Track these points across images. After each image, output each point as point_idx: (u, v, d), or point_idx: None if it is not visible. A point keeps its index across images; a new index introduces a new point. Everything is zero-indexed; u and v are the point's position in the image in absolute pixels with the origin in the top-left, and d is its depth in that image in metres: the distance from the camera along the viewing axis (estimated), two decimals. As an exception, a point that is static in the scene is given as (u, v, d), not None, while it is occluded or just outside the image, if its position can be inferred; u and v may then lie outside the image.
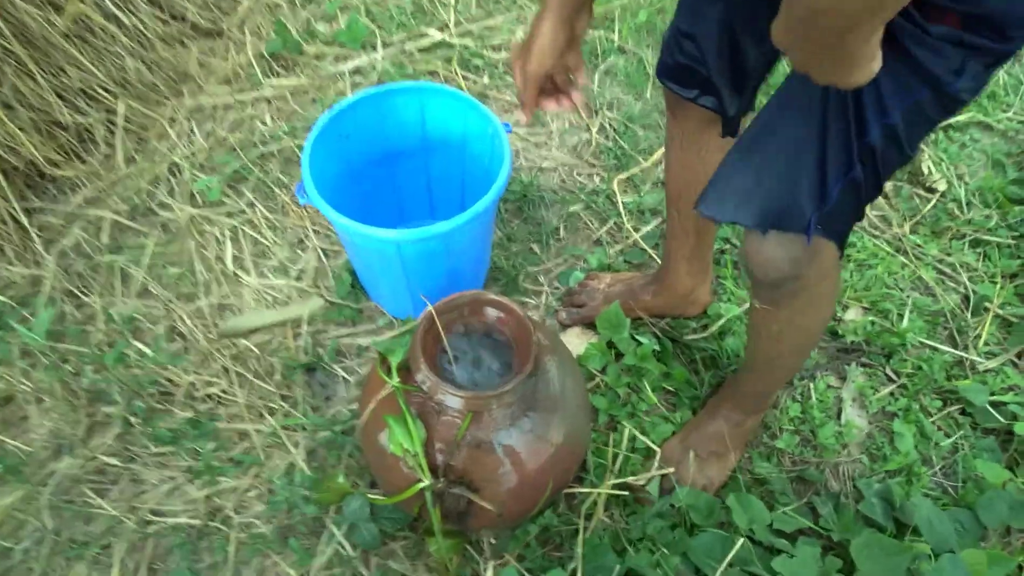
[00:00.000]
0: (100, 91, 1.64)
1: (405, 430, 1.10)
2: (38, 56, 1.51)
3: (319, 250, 1.62)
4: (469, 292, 1.18)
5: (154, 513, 1.32)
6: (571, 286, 1.57)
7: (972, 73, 0.73)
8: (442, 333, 1.14)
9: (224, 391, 1.42)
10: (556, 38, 0.92)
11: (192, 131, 1.75)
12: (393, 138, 1.49)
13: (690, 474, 1.28)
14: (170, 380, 1.42)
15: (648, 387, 1.42)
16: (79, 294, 1.53)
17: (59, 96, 1.58)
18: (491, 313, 1.18)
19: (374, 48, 1.94)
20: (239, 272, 1.57)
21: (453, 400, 1.07)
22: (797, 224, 0.85)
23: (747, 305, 1.54)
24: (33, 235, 1.55)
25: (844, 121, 0.78)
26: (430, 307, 1.14)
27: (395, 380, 1.14)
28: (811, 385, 1.44)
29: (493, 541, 1.26)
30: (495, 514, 1.11)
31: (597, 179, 1.78)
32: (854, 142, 0.79)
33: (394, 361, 1.16)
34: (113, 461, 1.36)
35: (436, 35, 1.98)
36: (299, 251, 1.62)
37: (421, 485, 1.09)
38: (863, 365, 1.49)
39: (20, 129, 1.51)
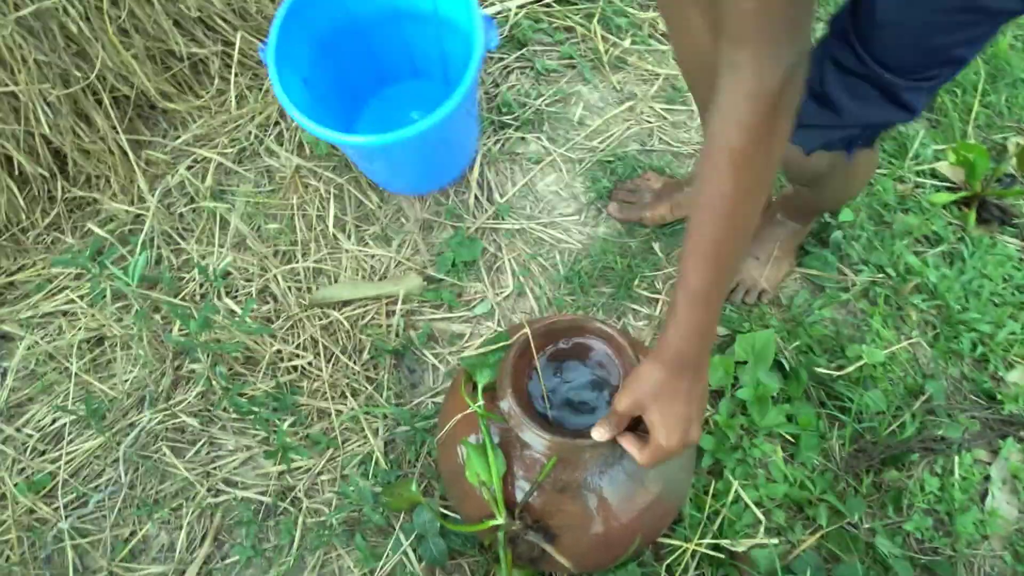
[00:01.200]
0: (219, 21, 1.54)
1: (484, 461, 1.00)
2: (158, -19, 1.42)
3: (422, 220, 1.51)
4: (570, 316, 1.05)
5: (226, 482, 1.29)
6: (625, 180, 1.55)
7: None
8: (536, 362, 1.02)
9: (309, 363, 1.36)
10: None
11: (309, 71, 1.65)
12: (358, 6, 1.42)
13: (751, 276, 1.38)
14: (257, 344, 1.36)
15: (764, 431, 1.27)
16: (178, 238, 1.48)
17: (176, 24, 1.49)
18: (594, 344, 1.04)
19: (510, -5, 1.76)
20: (338, 235, 1.48)
21: (538, 441, 0.95)
22: (840, 143, 0.97)
23: (892, 350, 1.34)
24: (138, 170, 1.50)
25: None
26: (527, 330, 1.01)
27: (479, 404, 1.03)
28: (955, 459, 1.25)
29: (568, 582, 1.16)
30: (571, 566, 1.00)
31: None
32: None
33: (480, 382, 1.05)
34: (192, 422, 1.32)
35: (579, -14, 1.78)
36: (403, 219, 1.52)
37: (494, 523, 1.00)
38: (1022, 441, 1.28)
39: (134, 57, 1.44)
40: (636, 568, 1.12)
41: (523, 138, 1.60)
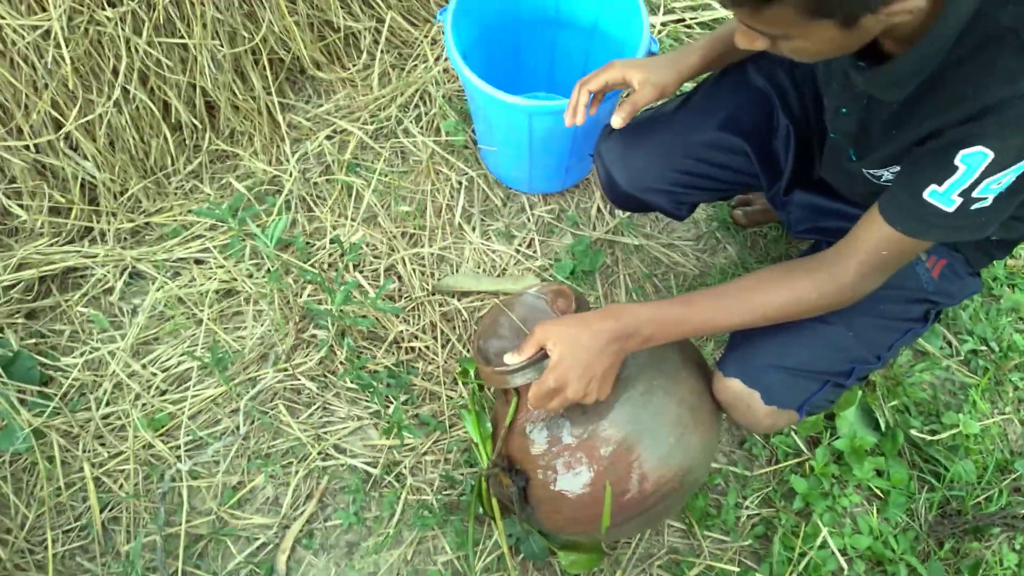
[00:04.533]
0: (376, -1, 1.58)
1: (472, 419, 1.20)
2: (332, -46, 1.46)
3: (544, 222, 1.55)
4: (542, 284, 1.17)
5: (336, 448, 1.35)
6: None
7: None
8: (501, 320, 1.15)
9: (427, 346, 1.41)
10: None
11: (449, 58, 1.68)
12: (524, 3, 1.46)
13: None
14: (381, 323, 1.41)
15: (854, 483, 1.31)
16: (311, 204, 1.53)
17: (337, -2, 1.53)
18: (561, 304, 1.13)
19: (653, 11, 1.79)
20: (464, 226, 1.53)
21: (494, 379, 1.03)
22: (793, 403, 1.04)
23: (986, 423, 1.38)
24: (285, 132, 1.55)
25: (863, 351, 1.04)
26: (498, 303, 1.16)
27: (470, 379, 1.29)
28: (1038, 539, 1.29)
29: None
30: (534, 514, 1.08)
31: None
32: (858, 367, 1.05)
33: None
34: (310, 385, 1.38)
35: (719, 10, 1.80)
36: (525, 219, 1.56)
37: (477, 470, 1.13)
38: (1102, 533, 1.32)
39: (296, 24, 1.48)
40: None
41: (649, 157, 1.63)
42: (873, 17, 0.67)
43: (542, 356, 0.95)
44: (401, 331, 1.40)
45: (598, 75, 1.10)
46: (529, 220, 1.56)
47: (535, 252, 1.52)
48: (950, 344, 1.48)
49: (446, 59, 1.67)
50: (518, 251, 1.52)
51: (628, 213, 1.56)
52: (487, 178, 1.58)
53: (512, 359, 0.97)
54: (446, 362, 1.40)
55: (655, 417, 1.02)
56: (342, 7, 1.54)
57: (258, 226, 1.43)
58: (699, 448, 1.06)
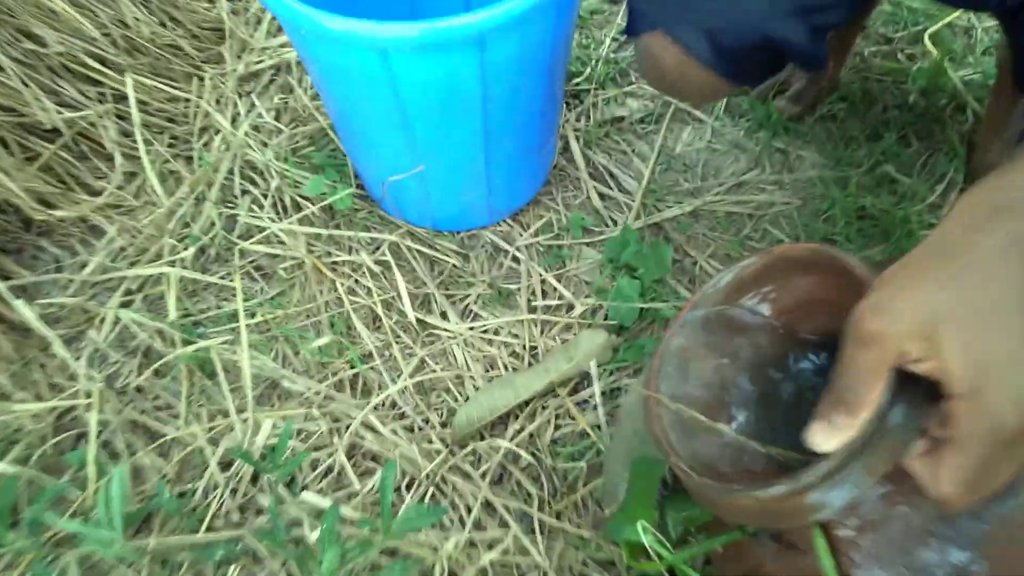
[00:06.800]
0: (94, 63, 0.91)
1: None
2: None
3: (541, 249, 0.92)
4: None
5: None
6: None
7: None
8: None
9: (506, 550, 0.71)
10: None
11: (251, 108, 1.03)
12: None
13: None
14: (406, 552, 0.69)
15: None
16: (151, 424, 0.80)
17: (28, 81, 0.85)
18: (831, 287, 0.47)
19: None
20: (427, 319, 0.86)
21: (789, 512, 0.39)
22: None
23: None
24: (39, 336, 0.81)
25: None
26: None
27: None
28: None
29: None
30: None
31: None
32: None
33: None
34: None
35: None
36: (511, 262, 0.92)
37: None
38: None
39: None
40: None
41: (612, 98, 1.06)
42: None
43: (883, 409, 0.35)
44: (450, 555, 0.69)
45: None
46: (520, 260, 0.91)
47: (560, 298, 0.88)
48: None
49: (251, 109, 1.02)
50: (534, 309, 0.87)
51: (644, 180, 0.97)
52: (415, 235, 0.93)
53: (829, 440, 0.35)
54: (555, 560, 0.71)
55: None
56: (45, 93, 0.86)
57: (73, 516, 0.69)
58: None
